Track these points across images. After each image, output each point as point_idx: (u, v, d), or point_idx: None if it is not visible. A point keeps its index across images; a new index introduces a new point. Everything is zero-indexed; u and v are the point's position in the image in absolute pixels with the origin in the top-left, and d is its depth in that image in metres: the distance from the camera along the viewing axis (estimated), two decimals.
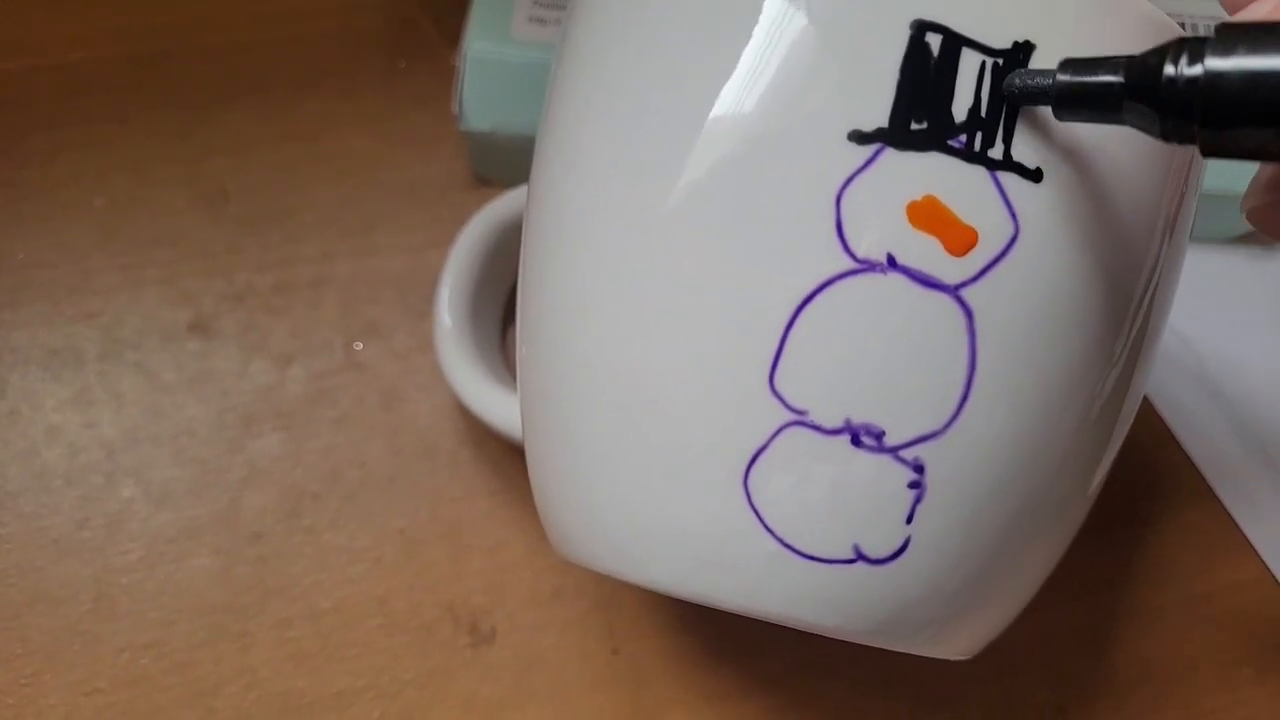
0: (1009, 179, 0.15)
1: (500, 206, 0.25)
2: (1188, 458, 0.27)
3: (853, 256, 0.15)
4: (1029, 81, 0.15)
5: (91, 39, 0.30)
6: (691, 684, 0.24)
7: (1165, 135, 0.13)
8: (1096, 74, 0.14)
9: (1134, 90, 0.13)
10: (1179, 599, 0.26)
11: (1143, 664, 0.26)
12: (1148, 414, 0.28)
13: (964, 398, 0.15)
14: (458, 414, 0.26)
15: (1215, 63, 0.13)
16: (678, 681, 0.24)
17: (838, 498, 0.16)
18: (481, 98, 0.26)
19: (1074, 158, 0.16)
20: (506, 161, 0.27)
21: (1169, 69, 0.13)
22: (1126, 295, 0.17)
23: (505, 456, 0.26)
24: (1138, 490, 0.27)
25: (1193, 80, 0.13)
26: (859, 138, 0.15)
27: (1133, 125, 0.14)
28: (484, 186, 0.28)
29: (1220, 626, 0.26)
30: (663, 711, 0.24)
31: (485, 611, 0.25)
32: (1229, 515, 0.27)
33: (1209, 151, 0.13)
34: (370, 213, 0.28)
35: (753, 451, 0.16)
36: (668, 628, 0.25)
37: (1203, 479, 0.27)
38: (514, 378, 0.25)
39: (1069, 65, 0.14)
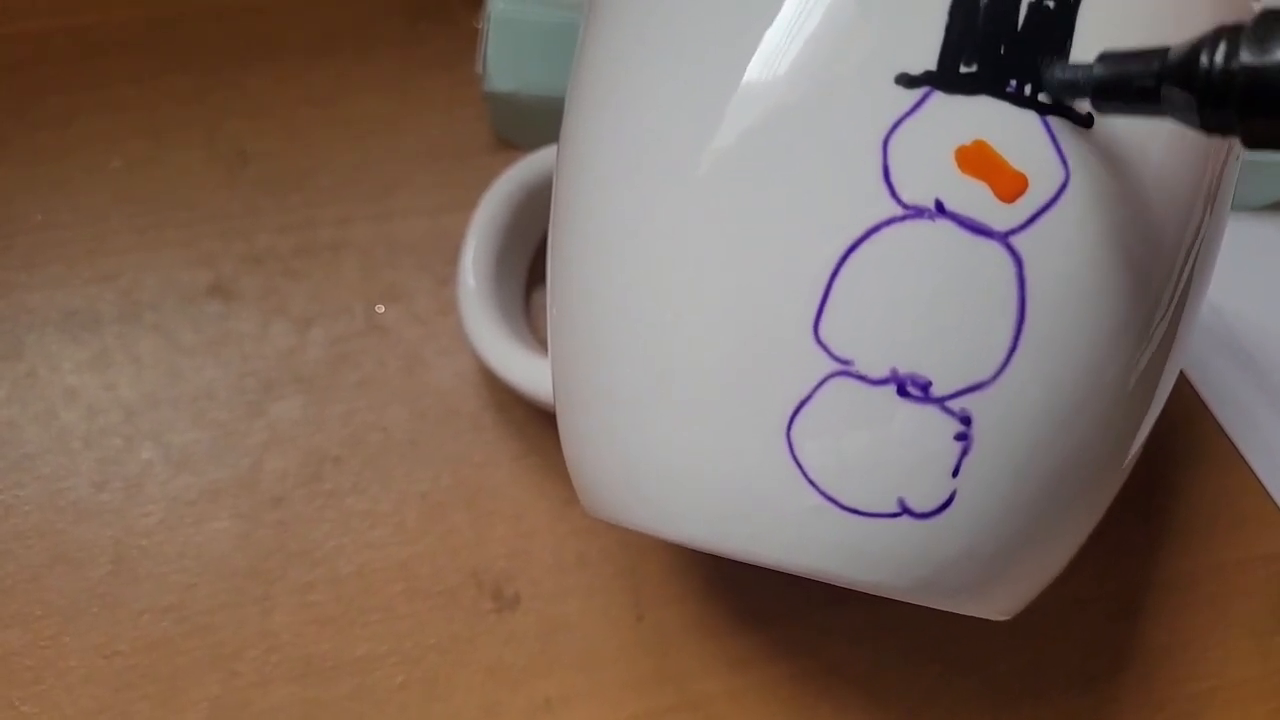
0: (1059, 124, 0.15)
1: (525, 168, 0.24)
2: (1219, 426, 0.27)
3: (900, 202, 0.15)
4: (1066, 75, 0.15)
5: (106, 1, 0.29)
6: (717, 650, 0.24)
7: (1205, 126, 0.13)
8: (1134, 65, 0.14)
9: (1172, 78, 0.13)
10: (1211, 567, 0.26)
11: (1174, 632, 0.25)
12: (1179, 382, 0.27)
13: (1013, 348, 0.15)
14: (480, 378, 0.26)
15: (1250, 55, 0.12)
16: (703, 648, 0.24)
17: (883, 450, 0.15)
18: (505, 58, 0.26)
19: None
20: (529, 123, 0.27)
21: (1204, 60, 0.13)
22: (1172, 252, 0.17)
23: (528, 421, 0.25)
24: (1169, 458, 0.27)
25: (1229, 72, 0.12)
26: (906, 81, 0.15)
27: (1173, 117, 0.13)
28: (506, 149, 0.28)
29: (1253, 595, 0.26)
30: (688, 678, 0.24)
31: (509, 577, 0.24)
32: (1260, 484, 0.27)
33: (1250, 143, 0.13)
34: (390, 176, 0.28)
35: (796, 402, 0.15)
36: (692, 594, 0.25)
37: (1234, 448, 0.27)
38: (538, 341, 0.25)
39: (1106, 58, 0.14)
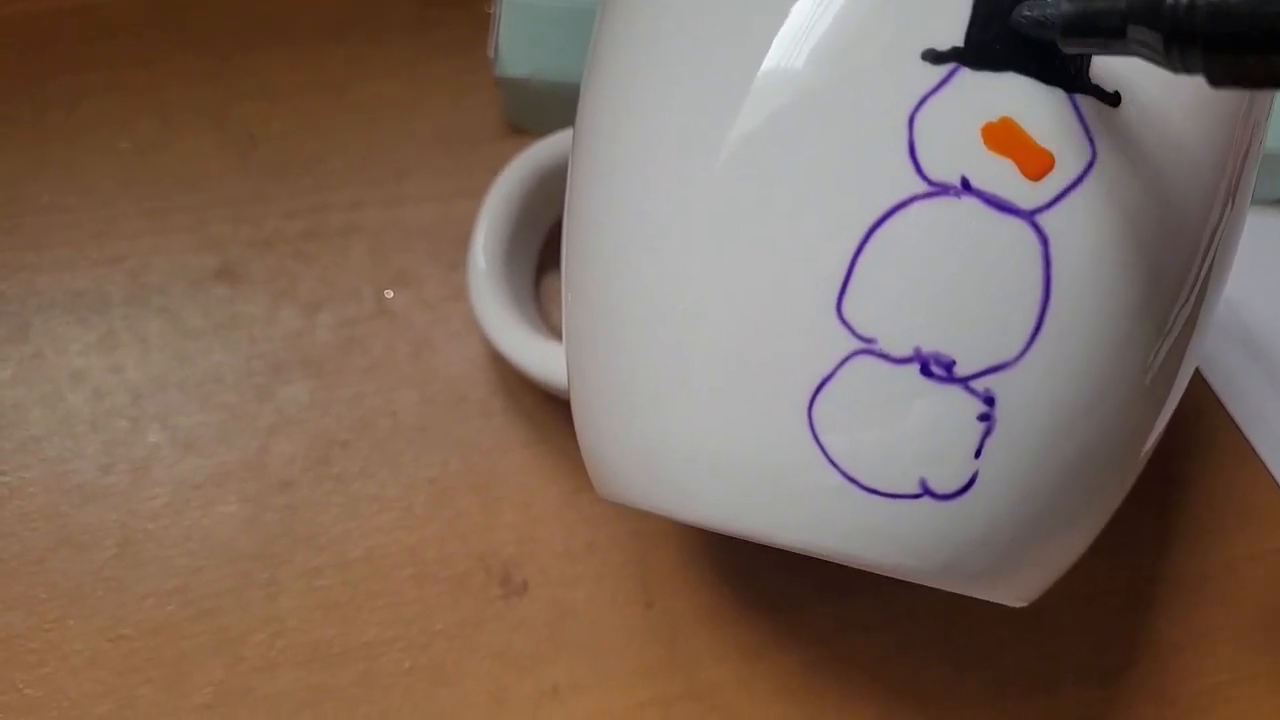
0: (1087, 102, 0.15)
1: (539, 152, 0.24)
2: (1232, 421, 0.27)
3: (926, 179, 0.15)
4: (1034, 13, 0.14)
5: None
6: (726, 638, 0.24)
7: (1172, 65, 0.13)
8: (1101, 2, 0.13)
9: (1138, 16, 0.13)
10: (1222, 562, 0.26)
11: (1185, 627, 0.25)
12: (1192, 377, 0.27)
13: (1037, 327, 0.15)
14: (490, 364, 0.26)
15: None
16: (712, 635, 0.24)
17: (905, 430, 0.15)
18: (518, 43, 0.26)
19: (1150, 87, 0.15)
20: (542, 108, 0.27)
21: None
22: (1196, 234, 0.17)
23: (538, 407, 0.25)
24: (1181, 452, 0.27)
25: (1193, 8, 0.12)
26: (933, 57, 0.15)
27: (1139, 54, 0.13)
28: (517, 135, 0.28)
29: (1265, 591, 0.25)
30: (697, 665, 0.24)
31: (517, 563, 0.24)
32: (1272, 478, 0.26)
33: (1216, 80, 0.12)
34: (400, 160, 0.27)
35: (818, 381, 0.15)
36: (702, 582, 0.24)
37: (1247, 443, 0.27)
38: (548, 326, 0.25)
39: None
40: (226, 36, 0.28)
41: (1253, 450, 0.27)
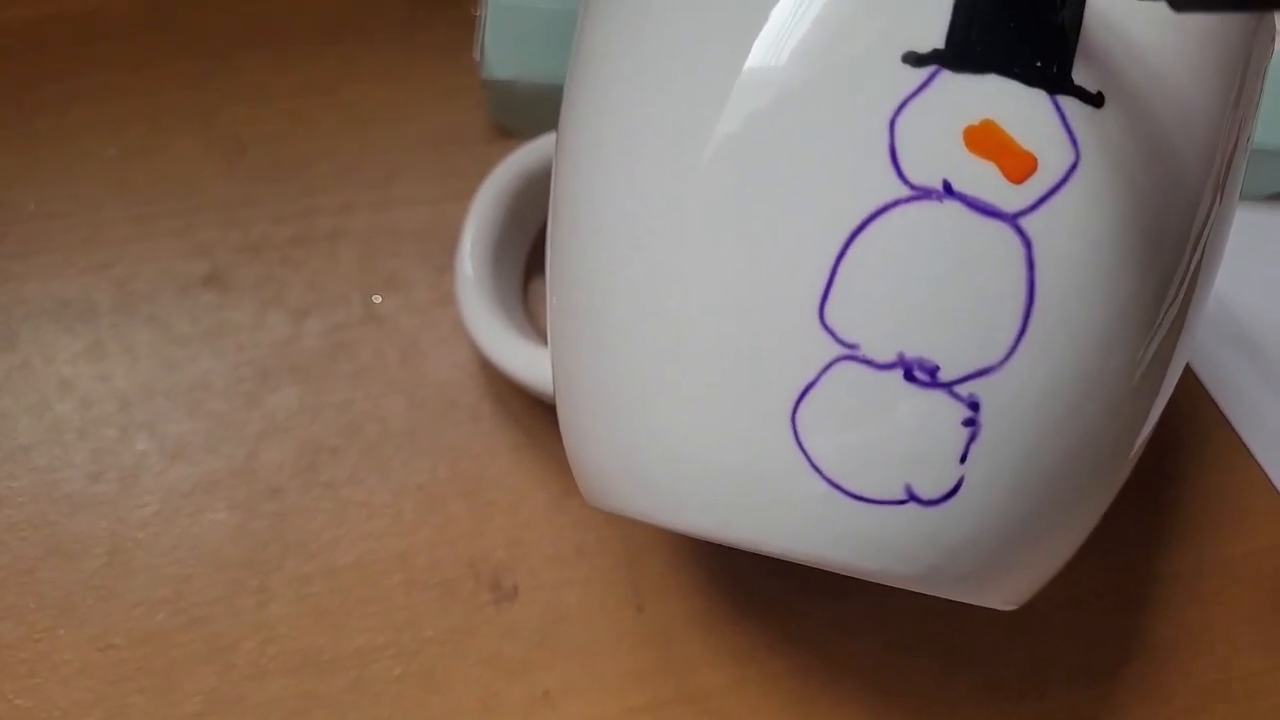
0: (1069, 104, 0.15)
1: (525, 156, 0.24)
2: (1224, 418, 0.27)
3: (907, 183, 0.14)
4: None
5: None
6: (718, 642, 0.24)
7: None
8: None
9: None
10: (1215, 560, 0.26)
11: (1178, 626, 0.25)
12: (1184, 374, 0.27)
13: (1021, 331, 0.15)
14: (478, 369, 0.25)
15: None
16: (704, 640, 0.24)
17: (890, 435, 0.15)
18: (504, 46, 0.26)
19: (1135, 86, 0.15)
20: (528, 111, 0.27)
21: None
22: (1182, 236, 0.16)
23: (527, 412, 0.25)
24: (1172, 450, 0.27)
25: None
26: (914, 59, 0.15)
27: None
28: (505, 137, 0.28)
29: (1258, 589, 0.25)
30: (689, 670, 0.24)
31: (507, 568, 0.24)
32: (1266, 477, 0.26)
33: (1178, 3, 0.12)
34: (389, 164, 0.27)
35: (801, 387, 0.15)
36: (693, 586, 0.24)
37: (1239, 439, 0.27)
38: (536, 330, 0.25)
39: None
40: (215, 40, 0.28)
41: (1245, 449, 0.27)
